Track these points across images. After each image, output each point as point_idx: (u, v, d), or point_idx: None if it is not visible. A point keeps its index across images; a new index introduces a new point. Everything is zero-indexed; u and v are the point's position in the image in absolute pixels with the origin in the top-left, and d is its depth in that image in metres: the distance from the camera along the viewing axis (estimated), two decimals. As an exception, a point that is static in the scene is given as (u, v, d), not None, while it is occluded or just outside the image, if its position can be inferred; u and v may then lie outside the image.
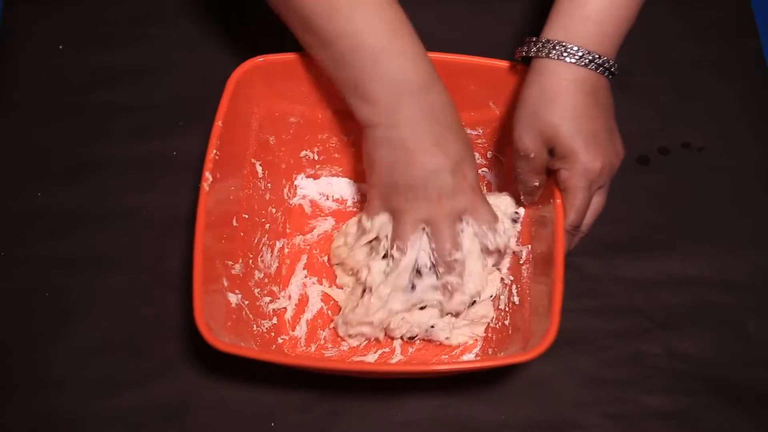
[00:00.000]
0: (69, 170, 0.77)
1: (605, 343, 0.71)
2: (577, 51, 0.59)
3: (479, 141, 0.74)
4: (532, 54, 0.61)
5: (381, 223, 0.67)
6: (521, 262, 0.68)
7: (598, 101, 0.60)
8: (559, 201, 0.62)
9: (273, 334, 0.70)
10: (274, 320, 0.71)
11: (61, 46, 0.83)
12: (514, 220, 0.69)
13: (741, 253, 0.75)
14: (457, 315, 0.68)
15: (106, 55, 0.83)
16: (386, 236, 0.66)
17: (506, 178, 0.72)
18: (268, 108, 0.71)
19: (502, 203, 0.70)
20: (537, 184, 0.64)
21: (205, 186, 0.62)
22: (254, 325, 0.68)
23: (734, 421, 0.68)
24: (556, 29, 0.60)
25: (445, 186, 0.62)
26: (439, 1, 0.87)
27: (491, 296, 0.69)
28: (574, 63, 0.59)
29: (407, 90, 0.61)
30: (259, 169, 0.71)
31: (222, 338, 0.58)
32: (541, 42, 0.60)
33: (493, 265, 0.69)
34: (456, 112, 0.65)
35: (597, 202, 0.64)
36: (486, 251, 0.67)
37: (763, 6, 0.88)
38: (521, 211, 0.70)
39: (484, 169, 0.76)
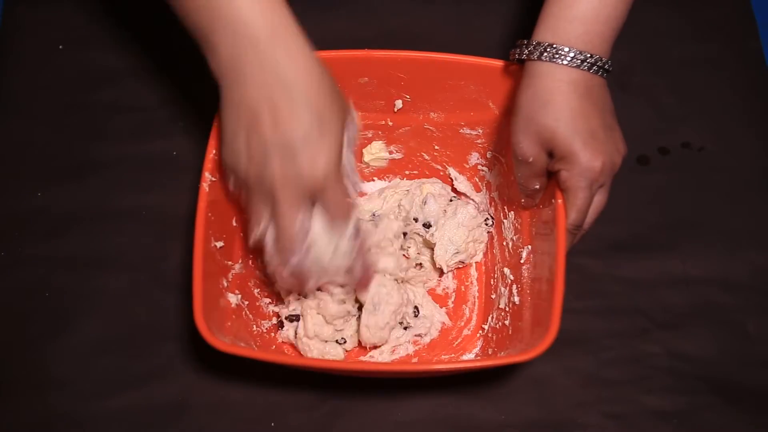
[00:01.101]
0: (69, 170, 0.77)
1: (605, 343, 0.71)
2: (568, 52, 0.59)
3: (479, 141, 0.74)
4: (524, 57, 0.61)
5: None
6: (522, 261, 0.68)
7: (593, 100, 0.60)
8: (560, 201, 0.62)
9: (273, 334, 0.70)
10: (274, 320, 0.71)
11: (61, 46, 0.83)
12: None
13: (741, 253, 0.75)
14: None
15: (106, 55, 0.83)
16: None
17: (506, 178, 0.72)
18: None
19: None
20: (537, 187, 0.64)
21: (205, 186, 0.62)
22: (254, 326, 0.68)
23: (734, 421, 0.68)
24: (545, 31, 0.60)
25: (287, 165, 0.56)
26: (439, 1, 0.87)
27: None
28: (566, 64, 0.59)
29: (249, 37, 0.55)
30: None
31: (222, 338, 0.58)
32: (532, 45, 0.60)
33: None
34: (312, 60, 0.57)
35: (598, 200, 0.63)
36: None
37: (763, 6, 0.88)
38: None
39: (485, 169, 0.76)
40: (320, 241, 0.59)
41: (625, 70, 0.83)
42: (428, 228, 0.72)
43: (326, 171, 0.56)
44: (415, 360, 0.71)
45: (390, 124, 0.74)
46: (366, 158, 0.76)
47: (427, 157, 0.77)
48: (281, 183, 0.56)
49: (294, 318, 0.69)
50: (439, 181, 0.77)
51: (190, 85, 0.81)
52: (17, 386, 0.68)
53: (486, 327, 0.71)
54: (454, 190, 0.78)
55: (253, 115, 0.56)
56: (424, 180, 0.77)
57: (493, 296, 0.71)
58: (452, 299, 0.74)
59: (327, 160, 0.56)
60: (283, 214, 0.57)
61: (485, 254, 0.75)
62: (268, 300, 0.71)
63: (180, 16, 0.58)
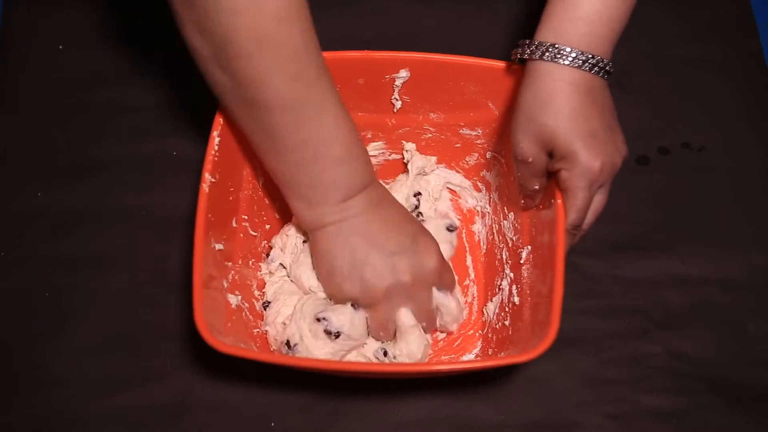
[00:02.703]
0: (69, 170, 0.77)
1: (605, 343, 0.71)
2: (570, 52, 0.59)
3: (479, 141, 0.74)
4: (525, 56, 0.61)
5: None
6: (521, 261, 0.68)
7: (594, 100, 0.60)
8: (559, 201, 0.62)
9: (273, 335, 0.70)
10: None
11: (61, 46, 0.83)
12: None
13: (741, 253, 0.75)
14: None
15: (106, 55, 0.83)
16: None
17: (506, 179, 0.72)
18: (268, 108, 0.71)
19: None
20: (537, 187, 0.64)
21: (205, 187, 0.62)
22: (254, 327, 0.68)
23: (734, 421, 0.68)
24: (547, 31, 0.60)
25: (411, 261, 0.64)
26: (439, 1, 0.87)
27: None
28: (568, 65, 0.59)
29: (357, 190, 0.63)
30: (259, 170, 0.71)
31: (222, 339, 0.58)
32: (534, 44, 0.60)
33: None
34: (396, 201, 0.68)
35: (598, 200, 0.63)
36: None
37: (763, 6, 0.88)
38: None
39: (484, 170, 0.76)
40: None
41: (625, 70, 0.83)
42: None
43: (439, 258, 0.66)
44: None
45: (390, 124, 0.74)
46: None
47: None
48: (412, 279, 0.64)
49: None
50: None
51: (190, 85, 0.81)
52: (17, 386, 0.68)
53: (486, 327, 0.71)
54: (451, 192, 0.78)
55: (367, 239, 0.63)
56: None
57: (493, 297, 0.71)
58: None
59: (436, 251, 0.66)
60: (423, 302, 0.66)
61: (485, 254, 0.75)
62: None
63: (281, 169, 0.63)
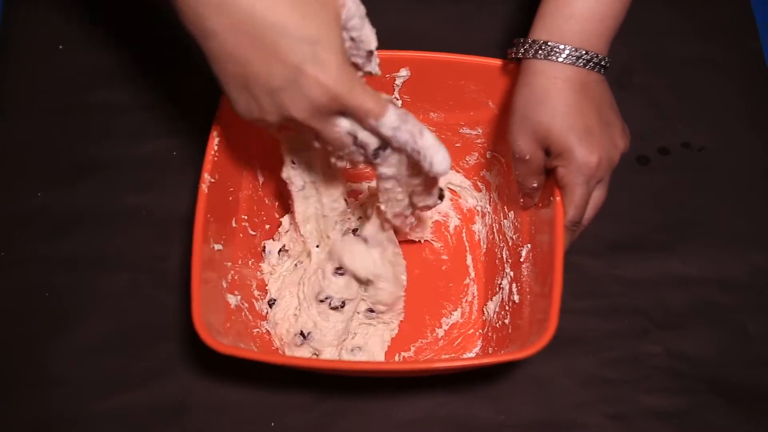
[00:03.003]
0: (69, 170, 0.77)
1: (605, 343, 0.71)
2: (564, 50, 0.59)
3: (478, 141, 0.74)
4: (520, 55, 0.61)
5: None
6: (521, 260, 0.68)
7: (589, 96, 0.60)
8: (558, 199, 0.62)
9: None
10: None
11: (61, 46, 0.83)
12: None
13: (741, 253, 0.75)
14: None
15: (106, 55, 0.83)
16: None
17: (506, 178, 0.72)
18: (268, 108, 0.71)
19: None
20: (536, 185, 0.64)
21: (204, 187, 0.62)
22: (254, 327, 0.68)
23: (734, 421, 0.68)
24: (541, 30, 0.61)
25: (297, 102, 0.53)
26: (438, 1, 0.87)
27: None
28: (562, 62, 0.59)
29: None
30: (258, 170, 0.71)
31: (221, 340, 0.58)
32: (528, 43, 0.60)
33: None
34: None
35: (597, 196, 0.63)
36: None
37: (763, 6, 0.88)
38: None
39: (484, 170, 0.76)
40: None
41: (625, 70, 0.83)
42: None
43: (333, 85, 0.53)
44: (410, 355, 0.71)
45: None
46: None
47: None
48: (304, 116, 0.54)
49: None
50: None
51: (190, 85, 0.81)
52: (17, 386, 0.68)
53: (486, 326, 0.71)
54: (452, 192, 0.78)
55: (244, 66, 0.53)
56: None
57: (494, 296, 0.71)
58: (453, 296, 0.74)
59: (328, 76, 0.52)
60: (324, 133, 0.56)
61: (485, 253, 0.75)
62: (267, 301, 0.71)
63: None
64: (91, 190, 0.76)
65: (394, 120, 0.55)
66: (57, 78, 0.82)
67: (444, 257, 0.76)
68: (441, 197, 0.62)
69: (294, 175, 0.67)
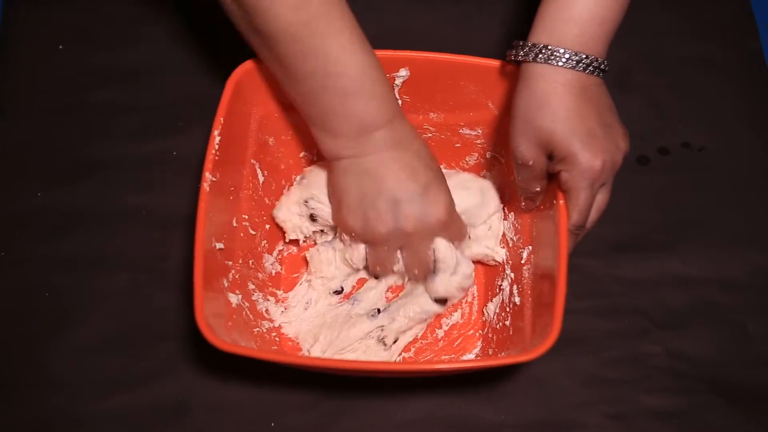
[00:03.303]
0: (69, 170, 0.77)
1: (606, 343, 0.71)
2: (564, 53, 0.59)
3: (478, 141, 0.74)
4: (519, 58, 0.61)
5: (361, 256, 0.69)
6: (522, 262, 0.68)
7: (589, 99, 0.60)
8: (561, 202, 0.62)
9: (274, 334, 0.70)
10: (276, 323, 0.71)
11: (61, 46, 0.83)
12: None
13: (741, 253, 0.75)
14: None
15: (106, 55, 0.83)
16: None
17: (506, 179, 0.72)
18: (268, 109, 0.71)
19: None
20: (538, 189, 0.64)
21: (205, 186, 0.62)
22: (254, 326, 0.68)
23: (734, 421, 0.68)
24: (540, 33, 0.60)
25: (416, 212, 0.64)
26: (438, 1, 0.87)
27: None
28: (562, 66, 0.59)
29: (373, 126, 0.63)
30: (259, 169, 0.71)
31: (223, 338, 0.58)
32: (528, 46, 0.60)
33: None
34: (424, 144, 0.66)
35: (601, 199, 0.63)
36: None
37: (763, 6, 0.88)
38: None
39: (484, 170, 0.76)
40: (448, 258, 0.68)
41: (625, 70, 0.83)
42: None
43: (447, 210, 0.66)
44: (410, 355, 0.71)
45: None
46: None
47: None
48: (413, 228, 0.65)
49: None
50: None
51: (190, 85, 0.81)
52: (17, 386, 0.68)
53: (486, 327, 0.71)
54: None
55: (378, 181, 0.64)
56: None
57: (494, 297, 0.71)
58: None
59: (446, 203, 0.66)
60: (416, 249, 0.67)
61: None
62: (272, 299, 0.71)
63: (298, 100, 0.64)
64: (91, 190, 0.76)
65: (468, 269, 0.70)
66: (57, 78, 0.82)
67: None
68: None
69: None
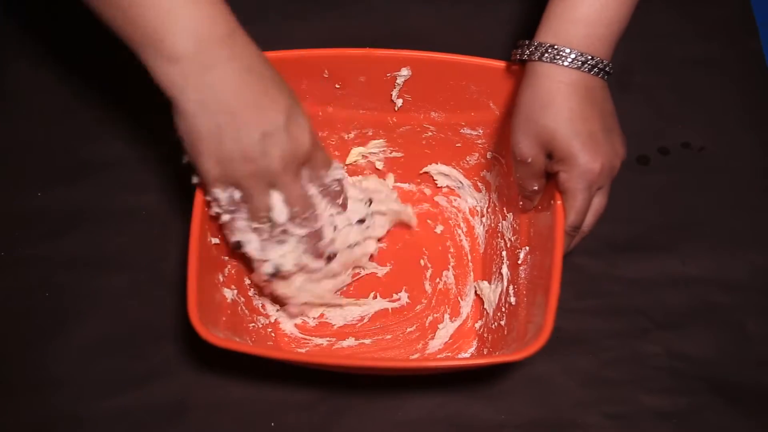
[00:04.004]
0: (69, 170, 0.77)
1: (605, 343, 0.71)
2: (570, 53, 0.59)
3: (479, 141, 0.74)
4: (525, 57, 0.61)
5: (229, 195, 0.61)
6: (519, 262, 0.68)
7: (593, 102, 0.60)
8: (559, 203, 0.62)
9: (270, 330, 0.70)
10: (271, 318, 0.71)
11: (60, 47, 0.83)
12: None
13: (741, 253, 0.75)
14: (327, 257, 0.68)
15: (106, 55, 0.83)
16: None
17: (506, 179, 0.72)
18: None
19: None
20: (536, 188, 0.64)
21: None
22: (250, 322, 0.68)
23: (734, 421, 0.68)
24: (547, 32, 0.60)
25: (283, 146, 0.58)
26: (439, 1, 0.87)
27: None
28: (567, 66, 0.59)
29: (213, 39, 0.55)
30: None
31: (217, 333, 0.58)
32: (534, 45, 0.60)
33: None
34: (266, 58, 0.59)
35: (598, 202, 0.63)
36: (328, 194, 0.65)
37: (763, 6, 0.88)
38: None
39: (484, 170, 0.76)
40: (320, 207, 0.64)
41: (625, 70, 0.83)
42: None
43: (311, 139, 0.60)
44: (415, 356, 0.71)
45: (391, 122, 0.74)
46: (349, 159, 0.77)
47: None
48: (282, 164, 0.58)
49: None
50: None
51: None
52: (17, 386, 0.68)
53: (481, 326, 0.71)
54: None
55: (233, 115, 0.56)
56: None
57: (490, 296, 0.71)
58: (452, 295, 0.74)
59: (309, 129, 0.60)
60: (290, 188, 0.60)
61: (482, 254, 0.75)
62: (263, 297, 0.71)
63: (122, 26, 0.58)
64: (91, 190, 0.76)
65: (339, 171, 0.65)
66: (57, 78, 0.82)
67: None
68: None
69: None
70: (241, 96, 0.56)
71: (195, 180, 0.62)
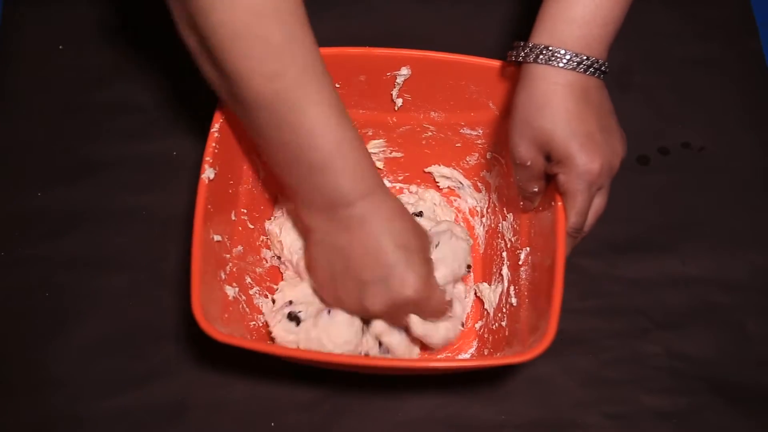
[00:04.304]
0: (69, 170, 0.77)
1: (605, 343, 0.71)
2: (565, 54, 0.58)
3: (479, 141, 0.74)
4: (520, 59, 0.61)
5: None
6: (519, 263, 0.68)
7: (590, 102, 0.60)
8: (560, 204, 0.62)
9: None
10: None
11: (61, 46, 0.83)
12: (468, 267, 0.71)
13: (741, 253, 0.75)
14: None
15: (106, 55, 0.83)
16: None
17: (505, 179, 0.72)
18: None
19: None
20: (536, 190, 0.64)
21: (204, 178, 0.62)
22: (251, 320, 0.68)
23: (734, 421, 0.68)
24: (542, 33, 0.60)
25: (381, 295, 0.62)
26: (439, 1, 0.87)
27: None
28: (563, 67, 0.58)
29: (343, 203, 0.61)
30: (259, 165, 0.71)
31: (219, 329, 0.58)
32: (529, 47, 0.60)
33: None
34: (403, 216, 0.64)
35: (598, 203, 0.63)
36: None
37: (763, 6, 0.88)
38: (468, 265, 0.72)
39: (484, 170, 0.76)
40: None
41: (625, 70, 0.83)
42: None
43: (416, 288, 0.62)
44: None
45: (391, 122, 0.74)
46: None
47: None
48: (383, 309, 0.63)
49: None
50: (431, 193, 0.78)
51: (190, 85, 0.81)
52: (17, 386, 0.68)
53: (482, 327, 0.71)
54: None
55: (345, 261, 0.62)
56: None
57: (490, 297, 0.71)
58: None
59: (415, 279, 0.62)
60: (390, 323, 0.66)
61: (483, 254, 0.75)
62: (267, 293, 0.71)
63: (274, 165, 0.63)
64: (91, 190, 0.76)
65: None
66: (57, 78, 0.82)
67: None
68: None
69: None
70: (354, 247, 0.62)
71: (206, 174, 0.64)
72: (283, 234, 0.71)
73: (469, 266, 0.71)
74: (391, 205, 0.63)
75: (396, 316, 0.65)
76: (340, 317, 0.66)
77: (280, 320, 0.67)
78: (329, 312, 0.66)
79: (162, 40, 0.83)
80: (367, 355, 0.67)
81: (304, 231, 0.67)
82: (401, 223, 0.63)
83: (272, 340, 0.69)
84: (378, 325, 0.66)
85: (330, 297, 0.66)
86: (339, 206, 0.61)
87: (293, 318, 0.67)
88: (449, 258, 0.68)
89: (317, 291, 0.68)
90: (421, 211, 0.75)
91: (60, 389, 0.68)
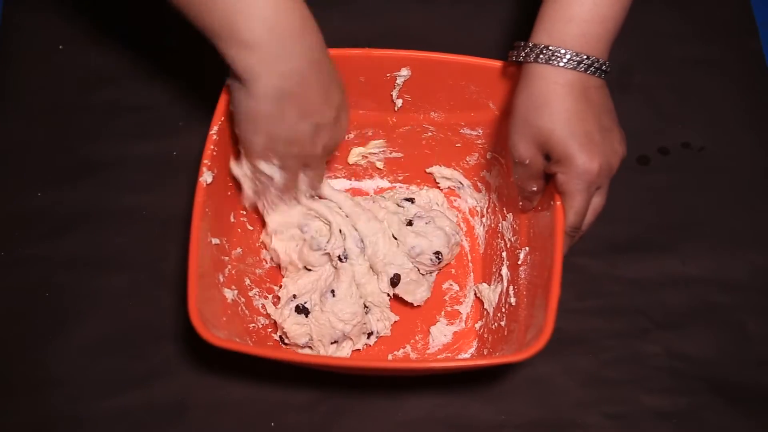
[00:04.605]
0: (69, 170, 0.77)
1: (605, 343, 0.71)
2: (564, 54, 0.58)
3: (479, 141, 0.74)
4: (521, 59, 0.61)
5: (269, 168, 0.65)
6: (519, 263, 0.68)
7: (589, 102, 0.60)
8: (558, 203, 0.62)
9: (270, 330, 0.70)
10: (271, 318, 0.71)
11: (61, 46, 0.83)
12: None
13: (741, 253, 0.75)
14: None
15: (106, 55, 0.83)
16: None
17: (505, 179, 0.72)
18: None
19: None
20: (535, 189, 0.64)
21: (202, 180, 0.62)
22: (250, 322, 0.68)
23: (734, 421, 0.68)
24: (541, 33, 0.60)
25: (327, 139, 0.64)
26: (438, 1, 0.87)
27: None
28: (563, 66, 0.58)
29: (289, 32, 0.58)
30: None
31: (217, 333, 0.58)
32: (529, 47, 0.60)
33: None
34: (329, 55, 0.63)
35: (596, 202, 0.63)
36: None
37: (763, 6, 0.88)
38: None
39: (484, 170, 0.76)
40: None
41: (625, 70, 0.83)
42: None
43: (330, 149, 0.65)
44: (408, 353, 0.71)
45: (391, 122, 0.74)
46: (350, 160, 0.77)
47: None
48: (323, 153, 0.65)
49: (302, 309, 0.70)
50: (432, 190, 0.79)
51: (190, 85, 0.81)
52: (17, 386, 0.68)
53: (481, 327, 0.71)
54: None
55: (296, 105, 0.60)
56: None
57: (490, 297, 0.71)
58: (452, 296, 0.74)
59: (346, 128, 0.66)
60: (320, 171, 0.68)
61: (482, 254, 0.75)
62: (266, 296, 0.71)
63: (198, 12, 0.59)
64: (91, 190, 0.76)
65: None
66: (57, 78, 0.82)
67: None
68: None
69: None
70: (307, 88, 0.61)
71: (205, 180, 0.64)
72: (275, 242, 0.71)
73: (438, 254, 0.71)
74: (323, 42, 0.62)
75: (323, 159, 0.67)
76: (340, 292, 0.67)
77: (289, 315, 0.68)
78: (333, 293, 0.68)
79: (162, 40, 0.83)
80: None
81: (242, 82, 0.60)
82: (333, 66, 0.64)
83: (284, 336, 0.69)
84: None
85: (266, 143, 0.63)
86: (284, 37, 0.58)
87: (301, 310, 0.68)
88: (431, 235, 0.71)
89: (248, 139, 0.63)
90: (413, 198, 0.75)
91: (60, 389, 0.68)
